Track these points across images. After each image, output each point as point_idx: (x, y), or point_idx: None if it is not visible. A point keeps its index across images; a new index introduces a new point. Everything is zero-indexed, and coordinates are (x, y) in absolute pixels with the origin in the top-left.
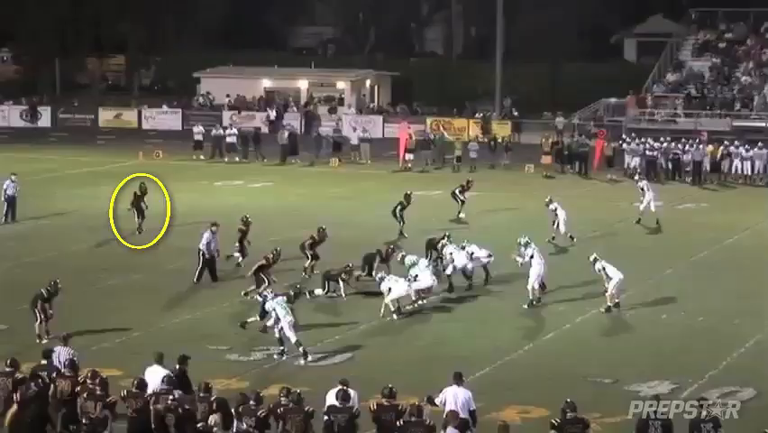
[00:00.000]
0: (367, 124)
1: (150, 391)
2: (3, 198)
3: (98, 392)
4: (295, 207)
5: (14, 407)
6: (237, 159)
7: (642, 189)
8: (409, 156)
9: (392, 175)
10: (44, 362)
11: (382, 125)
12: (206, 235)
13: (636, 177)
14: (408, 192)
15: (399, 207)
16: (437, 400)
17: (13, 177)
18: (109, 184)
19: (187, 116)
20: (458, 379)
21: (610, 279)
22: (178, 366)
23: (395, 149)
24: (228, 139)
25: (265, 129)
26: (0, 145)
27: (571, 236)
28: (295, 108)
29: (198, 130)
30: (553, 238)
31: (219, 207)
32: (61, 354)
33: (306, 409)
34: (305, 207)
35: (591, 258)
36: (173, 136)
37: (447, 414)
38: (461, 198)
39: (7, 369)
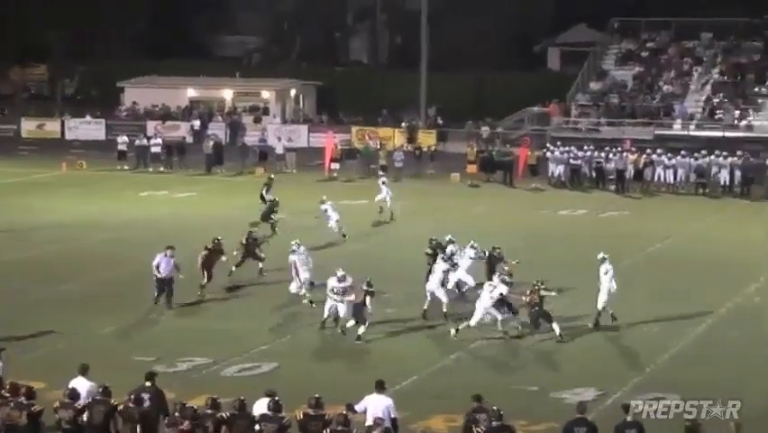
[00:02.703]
0: (292, 133)
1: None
2: None
3: (24, 402)
4: (219, 217)
5: None
6: (162, 169)
7: (382, 184)
8: (335, 165)
9: (317, 184)
10: None
11: (307, 135)
12: (158, 257)
13: (381, 172)
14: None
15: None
16: (357, 408)
17: None
18: (33, 195)
19: (110, 126)
20: (380, 387)
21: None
22: (150, 384)
23: (320, 158)
24: (153, 149)
25: (190, 139)
26: None
27: (343, 234)
28: (220, 118)
29: (122, 140)
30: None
31: (144, 217)
32: None
33: (251, 415)
34: (229, 217)
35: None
36: (97, 146)
37: (374, 420)
38: (268, 196)
39: None
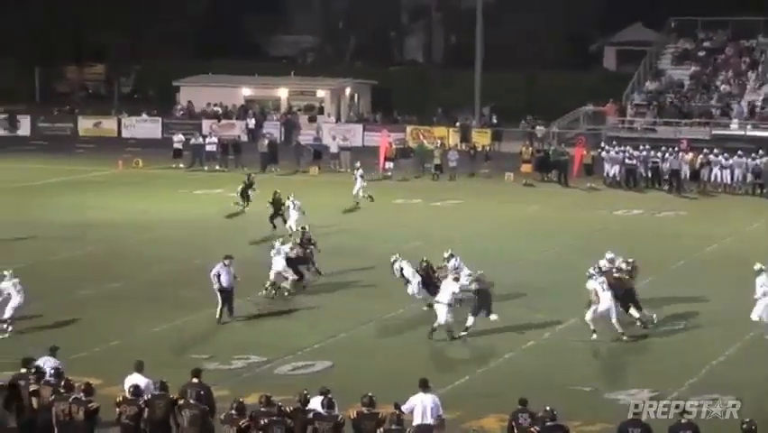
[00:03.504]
0: (346, 132)
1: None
2: None
3: (82, 398)
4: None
5: None
6: (217, 167)
7: (356, 178)
8: (389, 164)
9: (373, 183)
10: (23, 370)
11: (362, 134)
12: (216, 267)
13: (358, 164)
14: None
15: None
16: (404, 408)
17: None
18: (89, 193)
19: (166, 125)
20: (424, 386)
21: (408, 282)
22: (197, 380)
23: (375, 157)
24: (208, 147)
25: (245, 137)
26: None
27: (290, 235)
28: (274, 117)
29: (178, 138)
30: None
31: (199, 215)
32: (47, 363)
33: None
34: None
35: (392, 258)
36: (153, 145)
37: (435, 421)
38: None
39: None
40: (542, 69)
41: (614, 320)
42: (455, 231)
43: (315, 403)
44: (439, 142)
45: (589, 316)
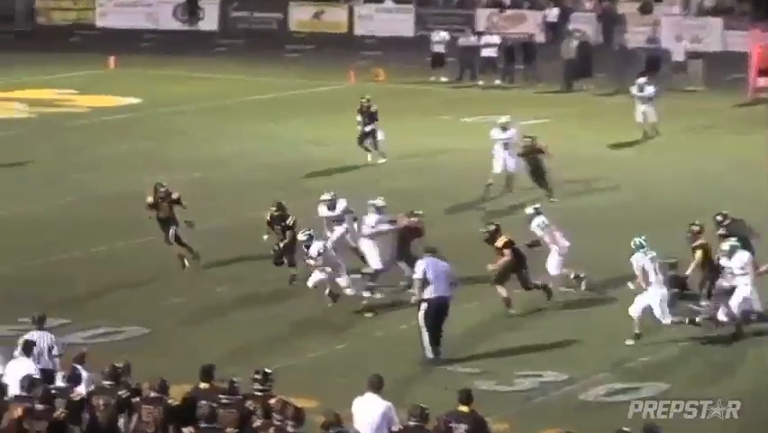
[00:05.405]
0: (699, 30)
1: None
2: None
3: (289, 429)
4: (585, 160)
5: None
6: (498, 82)
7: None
8: (763, 81)
9: (735, 111)
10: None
11: (721, 33)
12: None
13: (642, 79)
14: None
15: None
16: None
17: None
18: (305, 118)
19: (421, 17)
20: None
21: None
22: (467, 410)
23: (741, 70)
24: (484, 52)
25: (541, 37)
26: (146, 57)
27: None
28: (587, 6)
29: (439, 38)
30: None
31: (467, 155)
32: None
33: None
34: (600, 159)
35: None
36: (401, 46)
37: None
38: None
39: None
40: None
41: None
42: None
43: None
44: None
45: None
